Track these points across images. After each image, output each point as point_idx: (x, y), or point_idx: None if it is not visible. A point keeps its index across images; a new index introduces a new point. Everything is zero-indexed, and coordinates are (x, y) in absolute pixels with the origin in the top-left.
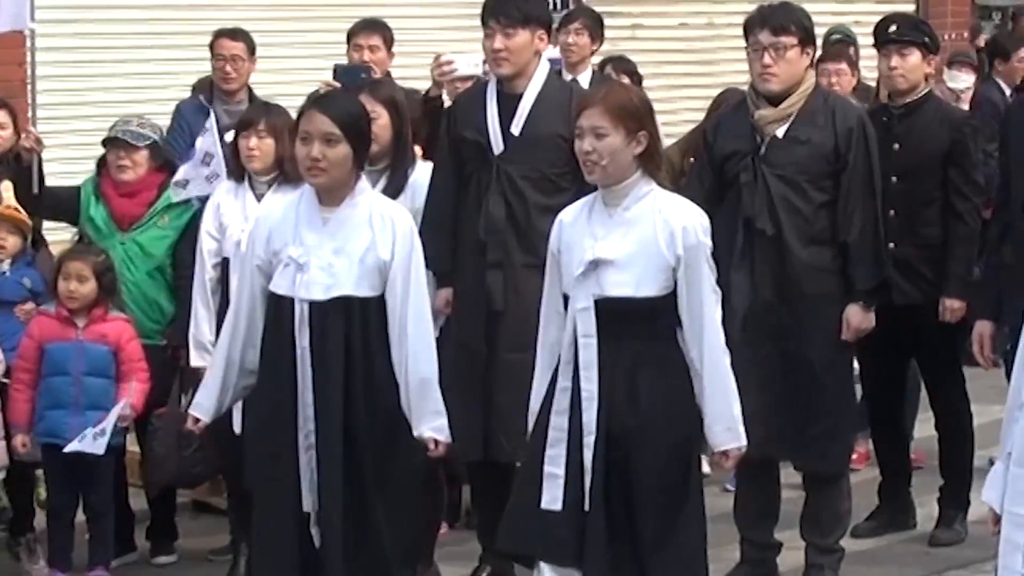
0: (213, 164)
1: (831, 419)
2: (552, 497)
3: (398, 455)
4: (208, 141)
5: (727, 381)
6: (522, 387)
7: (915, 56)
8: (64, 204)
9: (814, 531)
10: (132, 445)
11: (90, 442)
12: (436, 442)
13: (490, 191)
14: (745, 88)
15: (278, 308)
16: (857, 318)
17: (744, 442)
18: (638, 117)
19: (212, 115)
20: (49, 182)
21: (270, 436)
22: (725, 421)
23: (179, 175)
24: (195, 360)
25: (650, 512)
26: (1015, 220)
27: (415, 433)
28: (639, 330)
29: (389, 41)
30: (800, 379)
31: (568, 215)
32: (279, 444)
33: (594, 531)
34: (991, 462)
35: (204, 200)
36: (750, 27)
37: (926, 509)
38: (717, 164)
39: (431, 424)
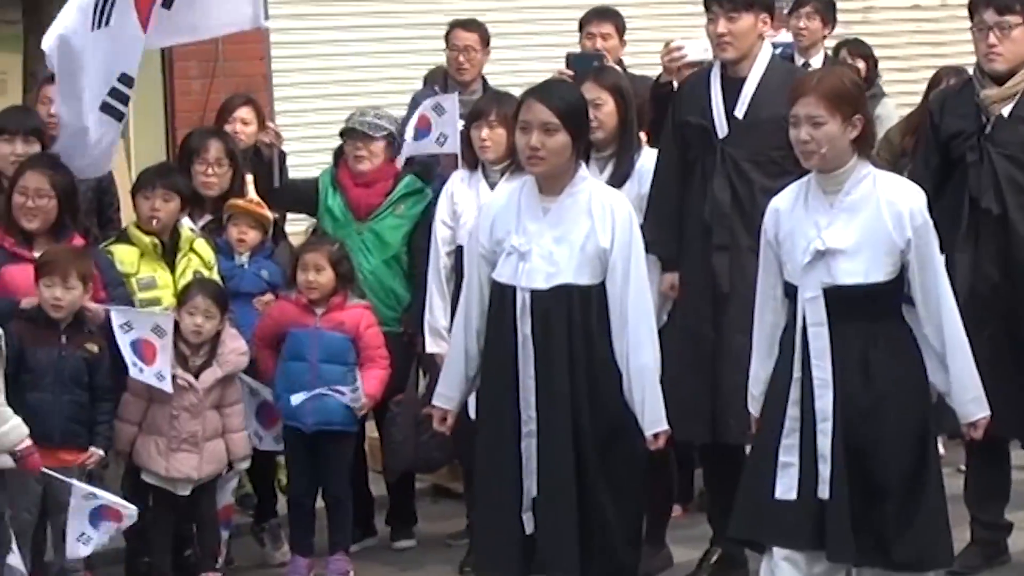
0: (447, 145)
1: None
2: (787, 487)
3: (621, 441)
4: (447, 121)
5: (968, 352)
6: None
7: None
8: (303, 196)
9: None
10: (372, 431)
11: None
12: (656, 435)
13: (715, 174)
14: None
15: (501, 296)
16: None
17: (988, 411)
18: (852, 101)
19: (456, 96)
20: (290, 174)
21: (493, 422)
22: (972, 391)
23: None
24: (431, 347)
25: (892, 493)
26: None
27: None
28: (868, 313)
29: (621, 29)
30: None
31: (783, 202)
32: (501, 430)
33: (838, 515)
34: None
35: (439, 189)
36: (975, 7)
37: None
38: (943, 144)
39: (650, 418)
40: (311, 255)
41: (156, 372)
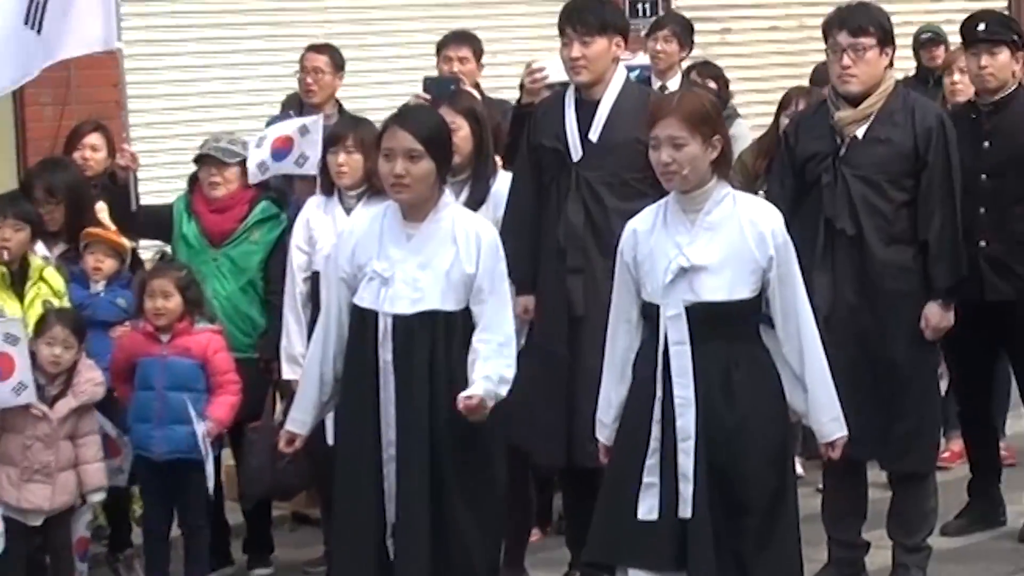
0: (306, 166)
1: (916, 417)
2: (649, 507)
3: (480, 466)
4: (311, 144)
5: (827, 373)
6: None
7: (1004, 54)
8: (159, 221)
9: (901, 530)
10: (228, 458)
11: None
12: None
13: (569, 198)
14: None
15: (361, 321)
16: (937, 316)
17: (847, 431)
18: (712, 122)
19: (321, 118)
20: (143, 201)
21: (353, 448)
22: (831, 412)
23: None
24: (287, 373)
25: (753, 512)
26: None
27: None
28: (730, 332)
29: (478, 52)
30: (884, 378)
31: (641, 224)
32: (362, 456)
33: (700, 535)
34: None
35: (294, 215)
36: (829, 28)
37: (1016, 506)
38: (798, 166)
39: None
40: (158, 281)
41: (14, 385)
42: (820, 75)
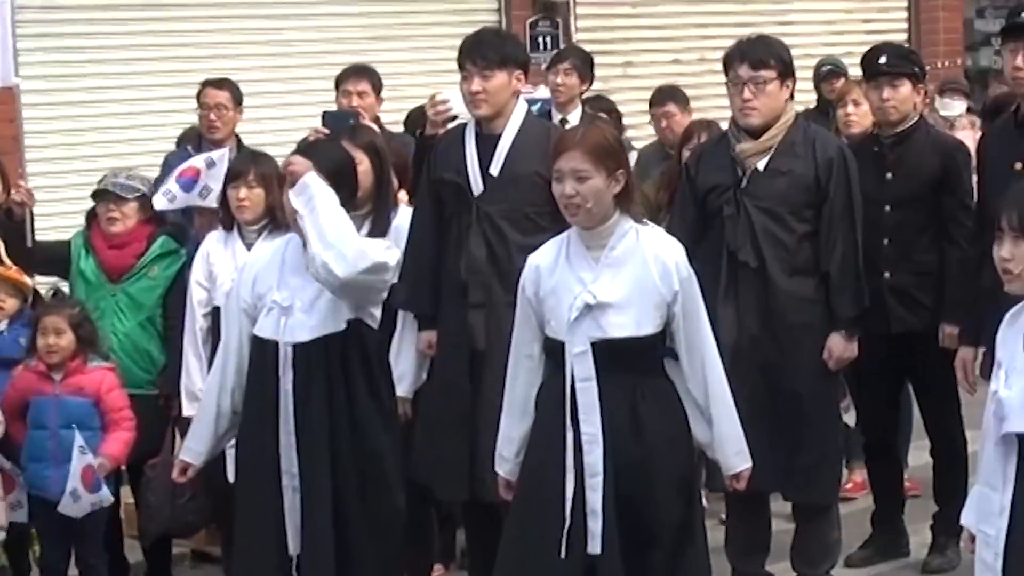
0: (208, 199)
1: (819, 449)
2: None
3: (382, 496)
4: (214, 176)
5: (731, 405)
6: None
7: (906, 87)
8: (56, 257)
9: (804, 562)
10: (127, 496)
11: (70, 504)
12: None
13: (471, 232)
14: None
15: (262, 352)
16: (840, 347)
17: (751, 463)
18: (616, 156)
19: (227, 151)
20: (41, 237)
21: (254, 480)
22: (735, 444)
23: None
24: (187, 410)
25: (661, 546)
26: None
27: None
28: (635, 367)
29: (377, 87)
30: (788, 410)
31: (543, 259)
32: (263, 488)
33: (609, 571)
34: None
35: (193, 251)
36: (729, 62)
37: (919, 536)
38: (699, 198)
39: None
40: (51, 318)
41: None
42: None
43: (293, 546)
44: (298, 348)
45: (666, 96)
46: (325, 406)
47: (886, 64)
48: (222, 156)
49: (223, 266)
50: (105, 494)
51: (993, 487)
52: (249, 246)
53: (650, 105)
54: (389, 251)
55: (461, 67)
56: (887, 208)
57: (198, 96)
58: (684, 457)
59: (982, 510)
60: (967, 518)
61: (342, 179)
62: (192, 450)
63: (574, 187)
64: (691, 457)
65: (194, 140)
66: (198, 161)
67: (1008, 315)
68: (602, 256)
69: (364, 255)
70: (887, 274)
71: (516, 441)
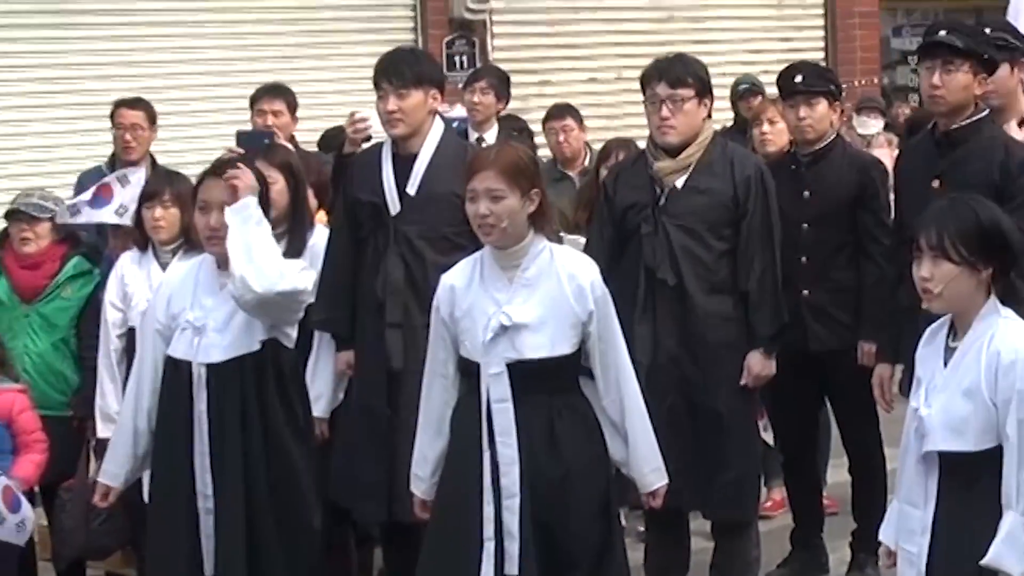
0: (124, 217)
1: (738, 467)
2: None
3: (298, 514)
4: (129, 195)
5: (648, 423)
6: None
7: (822, 105)
8: None
9: None
10: (41, 518)
11: None
12: None
13: (388, 252)
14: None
15: (175, 372)
16: (758, 365)
17: (667, 480)
18: (530, 176)
19: (143, 171)
20: None
21: (169, 501)
22: (652, 462)
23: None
24: (102, 432)
25: (581, 566)
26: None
27: None
28: (551, 387)
29: (292, 106)
30: (706, 428)
31: (458, 279)
32: (176, 509)
33: None
34: None
35: (107, 271)
36: (647, 80)
37: (839, 554)
38: (617, 216)
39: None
40: None
41: None
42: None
43: (209, 567)
44: (212, 368)
45: (564, 111)
46: (239, 427)
47: (802, 83)
48: (138, 174)
49: (138, 286)
50: (27, 511)
51: (914, 504)
52: (164, 266)
53: (546, 120)
54: (305, 272)
55: (377, 86)
56: (805, 226)
57: (112, 115)
58: (602, 476)
59: (902, 527)
60: (885, 534)
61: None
62: (110, 473)
63: (488, 207)
64: (609, 476)
65: (109, 160)
66: (111, 179)
67: (927, 333)
68: (516, 276)
69: (284, 277)
70: (805, 292)
71: (431, 461)
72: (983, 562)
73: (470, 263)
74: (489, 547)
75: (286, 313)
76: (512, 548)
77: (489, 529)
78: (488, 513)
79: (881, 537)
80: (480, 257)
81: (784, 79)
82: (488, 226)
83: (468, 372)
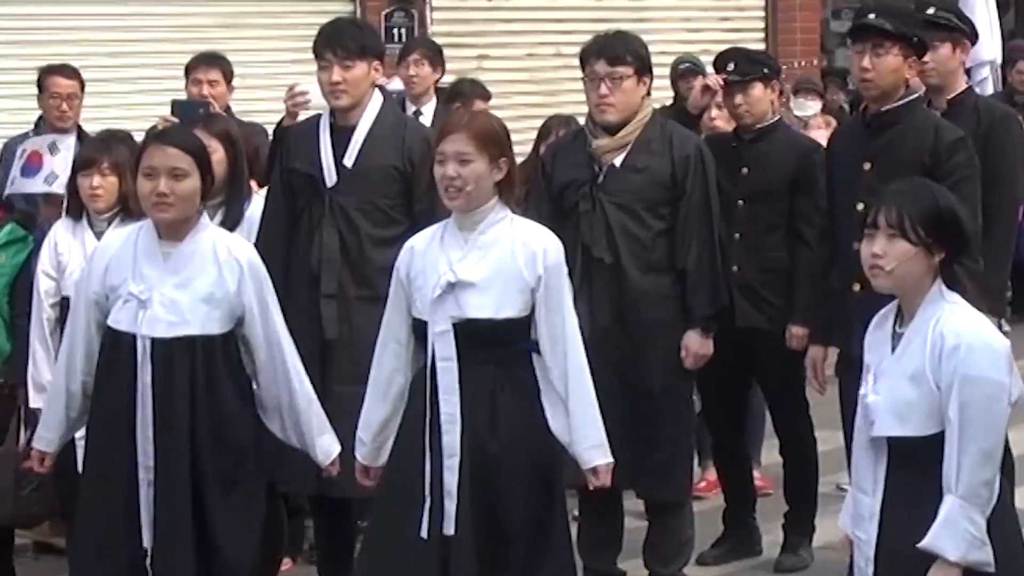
0: (55, 185)
1: (671, 446)
2: (424, 525)
3: (243, 487)
4: (61, 162)
5: (593, 399)
6: (354, 420)
7: (757, 89)
8: None
9: (656, 560)
10: None
11: None
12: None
13: (323, 223)
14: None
15: (116, 344)
16: (696, 344)
17: (611, 459)
18: (500, 144)
19: (74, 137)
20: None
21: (104, 472)
22: (594, 439)
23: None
24: (34, 401)
25: (519, 541)
26: (841, 246)
27: (315, 454)
28: (498, 353)
29: (228, 75)
30: (640, 406)
31: (419, 242)
32: (114, 480)
33: (462, 553)
34: (838, 488)
35: (41, 239)
36: (586, 57)
37: (772, 536)
38: (555, 193)
39: (324, 447)
40: None
41: None
42: None
43: (148, 538)
44: (157, 343)
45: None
46: (187, 400)
47: (735, 71)
48: (67, 141)
49: (72, 255)
50: None
51: (864, 491)
52: (99, 235)
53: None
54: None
55: (319, 56)
56: (740, 202)
57: (40, 83)
58: (542, 453)
59: (856, 513)
60: (843, 520)
61: (201, 163)
62: (44, 438)
63: (456, 169)
64: (553, 454)
65: (33, 126)
66: (40, 147)
67: (875, 319)
68: (471, 237)
69: None
70: (735, 267)
71: (374, 425)
72: (920, 545)
73: (436, 227)
74: (427, 506)
75: None
76: (451, 508)
77: (427, 487)
78: (427, 470)
79: (840, 524)
80: (445, 223)
81: (717, 68)
82: (455, 189)
83: (419, 334)
